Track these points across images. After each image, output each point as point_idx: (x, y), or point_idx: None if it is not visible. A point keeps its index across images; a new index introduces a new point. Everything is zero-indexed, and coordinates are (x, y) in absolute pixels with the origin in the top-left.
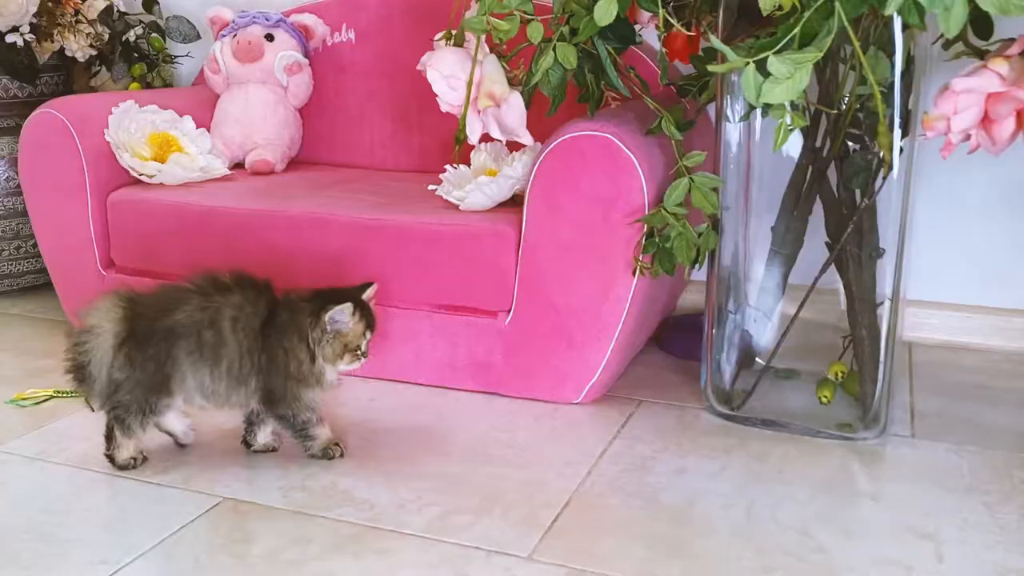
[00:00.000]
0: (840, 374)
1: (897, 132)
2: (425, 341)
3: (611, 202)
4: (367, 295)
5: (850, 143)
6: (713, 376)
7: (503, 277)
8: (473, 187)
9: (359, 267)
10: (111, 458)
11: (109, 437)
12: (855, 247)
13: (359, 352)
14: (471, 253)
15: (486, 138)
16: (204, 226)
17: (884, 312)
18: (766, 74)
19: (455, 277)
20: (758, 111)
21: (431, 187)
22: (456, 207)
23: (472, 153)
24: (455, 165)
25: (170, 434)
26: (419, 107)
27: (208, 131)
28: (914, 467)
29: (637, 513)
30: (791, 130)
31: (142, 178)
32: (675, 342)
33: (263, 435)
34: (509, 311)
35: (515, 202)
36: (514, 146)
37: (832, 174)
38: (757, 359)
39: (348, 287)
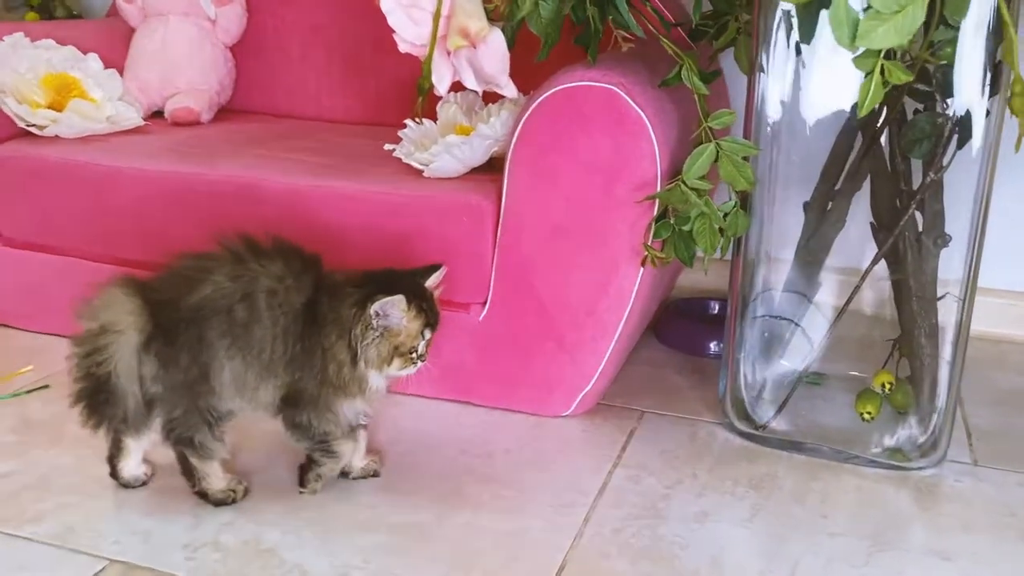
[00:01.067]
0: (887, 385)
1: (981, 90)
2: None
3: (615, 172)
4: (431, 281)
5: (914, 102)
6: (733, 385)
7: (477, 262)
8: (440, 148)
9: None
10: (203, 494)
11: (187, 471)
12: (913, 233)
13: (414, 355)
14: (437, 232)
15: (457, 87)
16: (106, 191)
17: (946, 310)
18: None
19: (417, 261)
20: (799, 60)
21: (388, 147)
22: (419, 172)
23: (439, 106)
24: (418, 120)
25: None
26: (374, 46)
27: (120, 73)
28: (987, 510)
29: None
30: (888, 88)
31: (32, 129)
32: (676, 333)
33: (358, 457)
34: (484, 304)
35: (493, 168)
36: (492, 98)
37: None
38: (782, 360)
39: (408, 269)
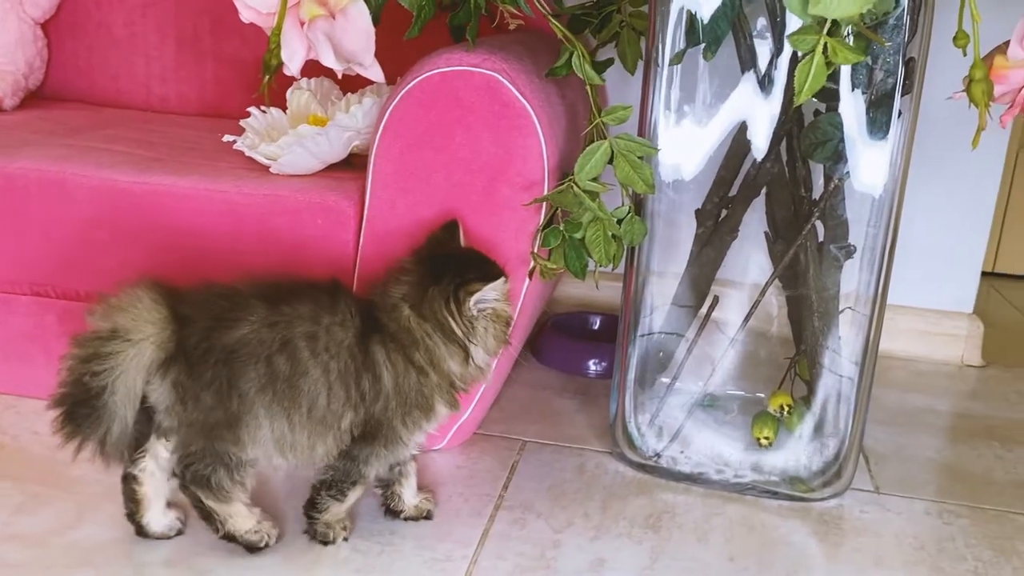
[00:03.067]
0: (785, 408)
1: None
2: None
3: (498, 170)
4: (463, 238)
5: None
6: (623, 411)
7: (336, 273)
8: (291, 140)
9: (113, 254)
10: (230, 537)
11: (206, 515)
12: (814, 243)
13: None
14: (287, 237)
15: (312, 70)
16: None
17: (850, 325)
18: None
19: (264, 270)
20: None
21: (227, 138)
22: (266, 169)
23: (289, 92)
24: (263, 108)
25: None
26: (214, 25)
27: None
28: (898, 543)
29: None
30: (830, 70)
31: None
32: (554, 350)
33: (411, 494)
34: None
35: (353, 167)
36: (353, 87)
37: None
38: (676, 383)
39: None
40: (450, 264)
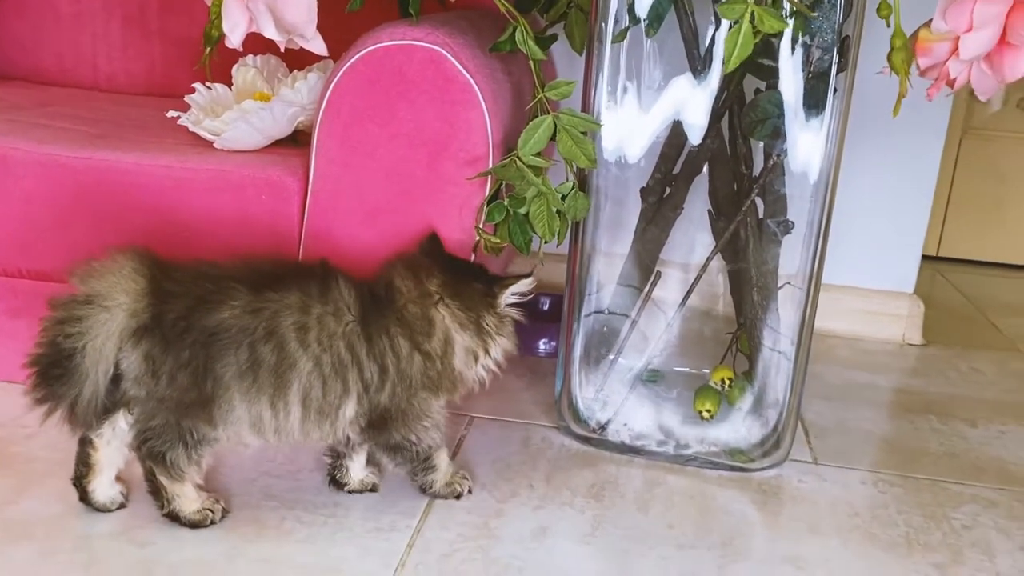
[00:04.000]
0: (726, 381)
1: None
2: None
3: (442, 145)
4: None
5: (756, 80)
6: (568, 387)
7: (280, 249)
8: (235, 115)
9: (53, 230)
10: (174, 516)
11: (155, 490)
12: (754, 219)
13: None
14: (232, 214)
15: (255, 45)
16: None
17: (788, 302)
18: None
19: (205, 247)
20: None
21: (172, 113)
22: (210, 145)
23: (235, 68)
24: (209, 84)
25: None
26: (161, 3)
27: None
28: (833, 511)
29: None
30: (759, 39)
31: None
32: None
33: (358, 468)
34: None
35: (298, 143)
36: (299, 64)
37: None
38: (620, 359)
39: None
40: (468, 266)
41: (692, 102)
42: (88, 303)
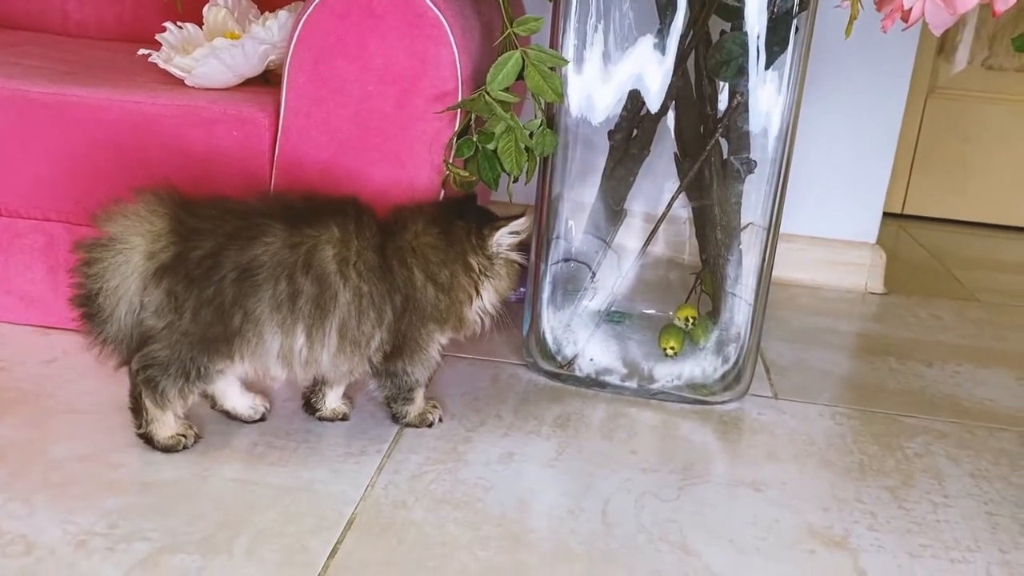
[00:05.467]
0: (690, 320)
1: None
2: None
3: (412, 81)
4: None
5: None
6: (536, 325)
7: (251, 185)
8: (206, 52)
9: (25, 166)
10: (147, 438)
11: (136, 408)
12: (718, 159)
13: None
14: (202, 150)
15: None
16: None
17: (750, 242)
18: None
19: (178, 182)
20: None
21: (143, 51)
22: (181, 82)
23: (206, 8)
24: (179, 24)
25: (226, 413)
26: None
27: None
28: (791, 440)
29: (454, 531)
30: None
31: None
32: None
33: (334, 397)
34: None
35: (268, 81)
36: (272, 3)
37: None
38: (585, 301)
39: (449, 198)
40: (472, 209)
41: (659, 45)
42: (104, 246)
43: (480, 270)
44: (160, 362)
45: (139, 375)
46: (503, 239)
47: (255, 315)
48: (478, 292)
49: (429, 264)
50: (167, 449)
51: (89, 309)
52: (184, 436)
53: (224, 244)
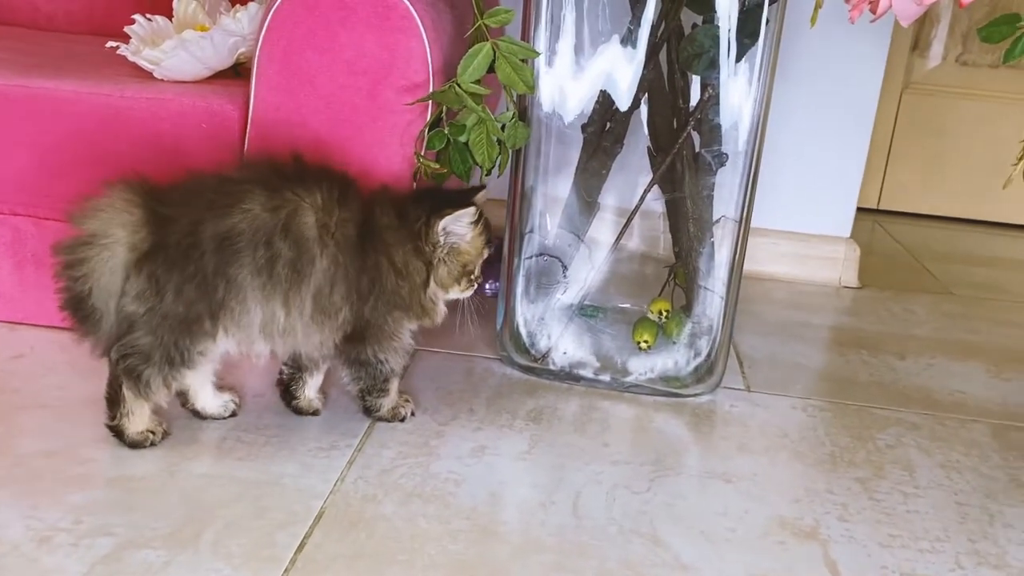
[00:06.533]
0: (664, 313)
1: None
2: None
3: (383, 72)
4: (478, 199)
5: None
6: (510, 319)
7: None
8: (174, 44)
9: None
10: (118, 431)
11: (113, 399)
12: (690, 152)
13: (473, 276)
14: (171, 142)
15: None
16: None
17: (722, 235)
18: None
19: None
20: None
21: (111, 44)
22: (149, 75)
23: (176, 0)
24: (149, 16)
25: (196, 412)
26: None
27: None
28: (763, 432)
29: (424, 525)
30: None
31: None
32: None
33: (312, 388)
34: None
35: (238, 75)
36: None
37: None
38: (558, 295)
39: (452, 189)
40: (442, 197)
41: (631, 38)
42: (87, 244)
43: (428, 258)
44: (142, 350)
45: (119, 364)
46: (450, 226)
47: (237, 282)
48: (428, 280)
49: (388, 248)
50: (135, 445)
51: (82, 312)
52: (153, 432)
53: (201, 218)
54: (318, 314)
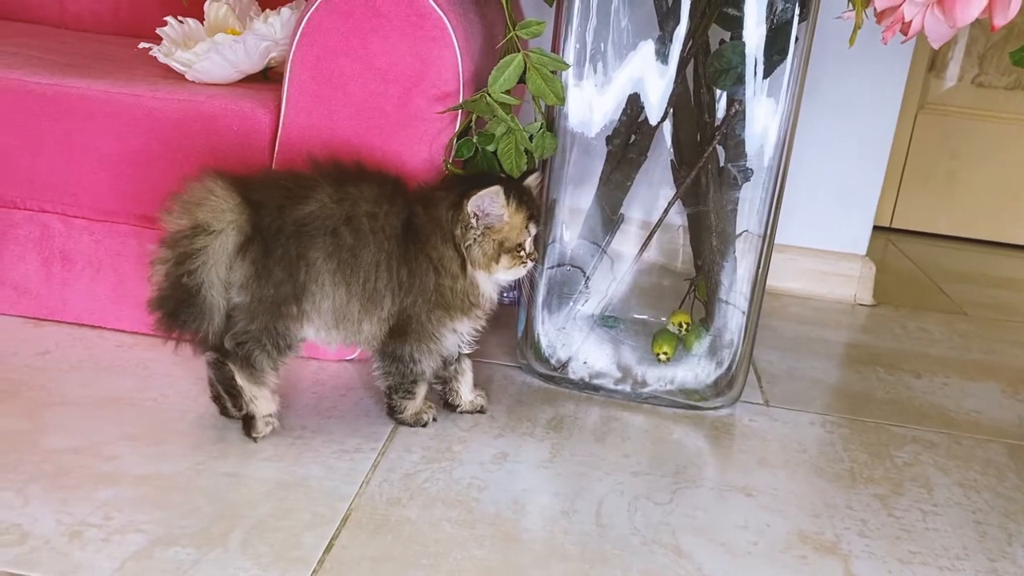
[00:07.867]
0: (684, 326)
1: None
2: (128, 270)
3: (414, 80)
4: (528, 182)
5: (722, 30)
6: (530, 328)
7: None
8: (207, 47)
9: (18, 157)
10: (251, 417)
11: (231, 390)
12: (715, 166)
13: (522, 253)
14: (202, 144)
15: None
16: None
17: (745, 250)
18: None
19: (175, 178)
20: None
21: (144, 44)
22: (181, 76)
23: (207, 4)
24: (180, 19)
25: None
26: None
27: None
28: (783, 447)
29: (448, 530)
30: None
31: None
32: None
33: (467, 388)
34: None
35: (268, 79)
36: (272, 4)
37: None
38: (579, 305)
39: (483, 172)
40: (478, 178)
41: (660, 53)
42: (198, 234)
43: (457, 242)
44: (253, 335)
45: (235, 354)
46: (480, 207)
47: (316, 265)
48: (464, 265)
49: (425, 242)
50: (254, 430)
51: (190, 307)
52: (271, 415)
53: (283, 205)
54: (367, 302)
